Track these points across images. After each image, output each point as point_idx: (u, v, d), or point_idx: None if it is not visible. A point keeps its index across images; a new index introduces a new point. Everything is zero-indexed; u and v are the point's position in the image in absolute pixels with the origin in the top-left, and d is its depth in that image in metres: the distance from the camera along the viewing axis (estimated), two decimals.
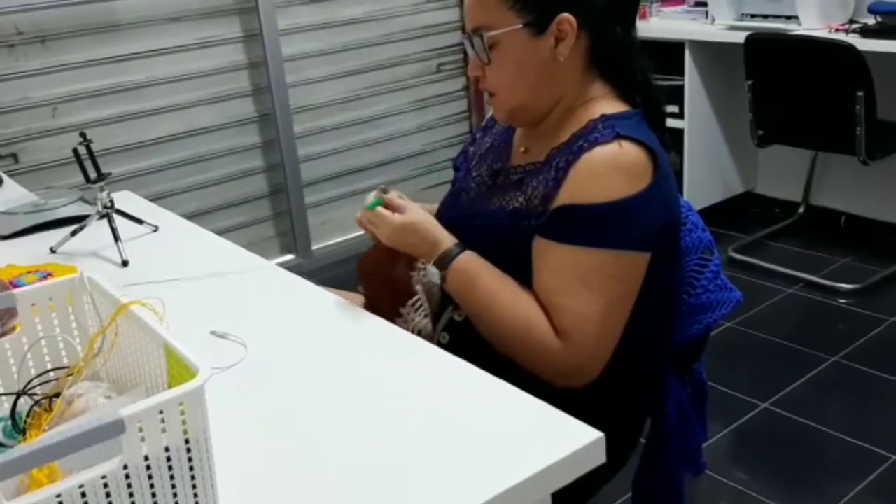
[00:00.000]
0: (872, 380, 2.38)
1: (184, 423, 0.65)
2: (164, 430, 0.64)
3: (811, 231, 3.39)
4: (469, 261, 1.19)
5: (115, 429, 0.61)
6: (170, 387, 0.73)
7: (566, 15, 1.15)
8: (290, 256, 3.41)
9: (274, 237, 3.40)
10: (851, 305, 2.81)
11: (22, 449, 0.58)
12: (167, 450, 0.65)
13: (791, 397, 2.32)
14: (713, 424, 2.09)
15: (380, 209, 1.21)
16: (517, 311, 1.15)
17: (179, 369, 0.70)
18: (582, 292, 1.11)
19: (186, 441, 0.66)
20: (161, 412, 0.64)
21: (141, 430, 0.63)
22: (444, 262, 1.19)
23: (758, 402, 2.31)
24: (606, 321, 1.13)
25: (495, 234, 1.21)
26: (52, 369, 0.85)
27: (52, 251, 1.48)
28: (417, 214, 1.21)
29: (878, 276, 2.94)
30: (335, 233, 3.52)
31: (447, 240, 1.21)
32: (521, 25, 1.16)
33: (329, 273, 3.35)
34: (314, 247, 3.45)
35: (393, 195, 1.24)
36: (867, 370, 2.42)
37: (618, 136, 1.12)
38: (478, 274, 1.18)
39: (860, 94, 2.63)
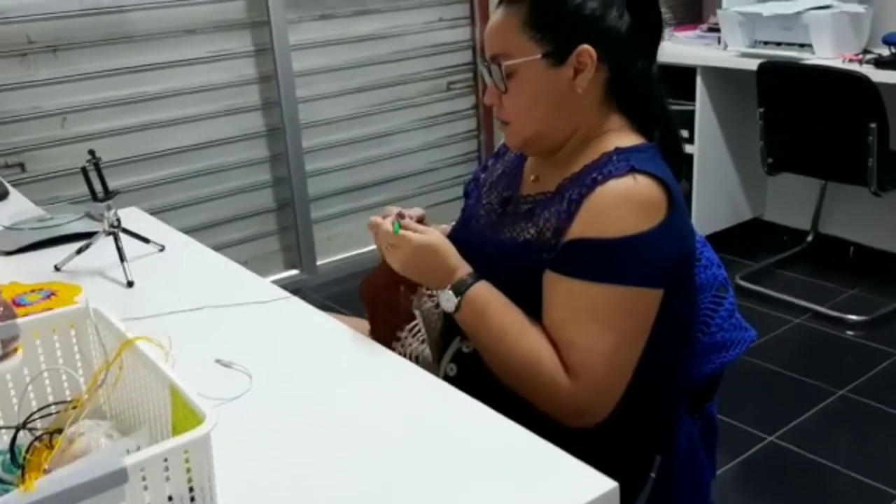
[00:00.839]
0: (880, 415, 2.35)
1: (188, 471, 0.63)
2: (167, 479, 0.62)
3: (819, 260, 3.37)
4: (482, 291, 1.17)
5: (118, 478, 0.59)
6: (174, 428, 0.71)
7: (586, 46, 1.13)
8: (294, 272, 3.40)
9: (279, 251, 3.39)
10: (859, 337, 2.78)
11: (22, 498, 0.56)
12: (170, 499, 0.63)
13: (798, 431, 2.29)
14: (719, 457, 2.07)
15: (402, 231, 1.19)
16: (526, 346, 1.12)
17: (185, 412, 0.68)
18: (593, 329, 1.09)
19: (191, 489, 0.64)
20: (165, 460, 0.62)
21: (144, 478, 0.61)
22: (459, 289, 1.17)
23: (764, 434, 2.28)
24: (617, 359, 1.11)
25: (506, 265, 1.19)
26: (54, 403, 0.83)
27: (57, 269, 1.46)
28: (437, 237, 1.19)
29: (886, 309, 2.91)
30: (340, 248, 3.50)
31: (463, 267, 1.19)
32: (540, 55, 1.14)
33: (333, 289, 3.33)
34: (319, 262, 3.43)
35: (410, 221, 1.22)
36: (875, 405, 2.39)
37: (632, 170, 1.10)
38: (490, 305, 1.16)
39: (873, 125, 2.61)
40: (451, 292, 1.16)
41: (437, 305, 1.26)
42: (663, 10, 1.22)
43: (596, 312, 1.09)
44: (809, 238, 3.45)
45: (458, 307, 1.16)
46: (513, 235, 1.20)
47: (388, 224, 1.20)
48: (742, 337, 1.26)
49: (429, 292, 1.28)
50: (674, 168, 1.18)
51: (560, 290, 1.12)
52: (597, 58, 1.14)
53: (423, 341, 1.29)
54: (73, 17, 2.72)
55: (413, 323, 1.28)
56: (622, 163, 1.11)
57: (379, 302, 1.30)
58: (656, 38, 1.22)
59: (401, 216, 1.23)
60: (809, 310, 2.94)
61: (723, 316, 1.26)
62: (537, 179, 1.26)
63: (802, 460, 2.17)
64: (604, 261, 1.09)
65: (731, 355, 1.25)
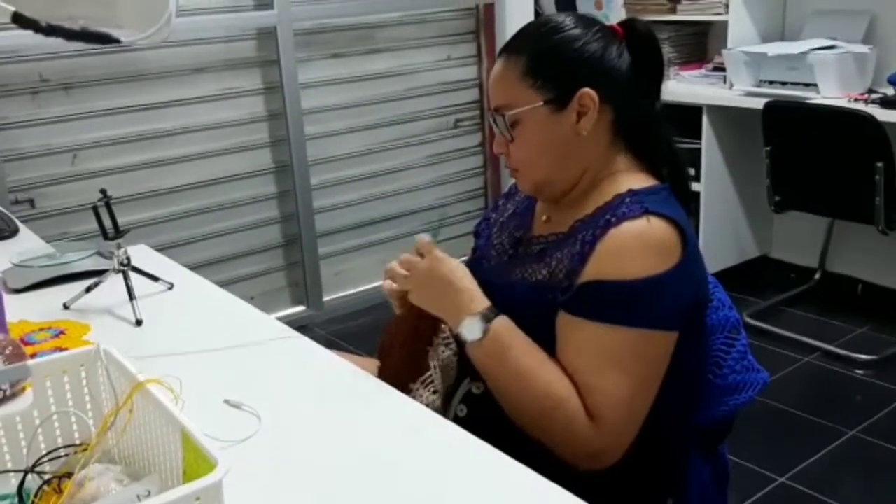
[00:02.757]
0: (891, 456, 2.32)
1: None
2: None
3: (827, 298, 3.35)
4: (505, 324, 1.14)
5: None
6: (185, 473, 0.70)
7: (587, 90, 1.14)
8: (301, 308, 3.39)
9: (286, 287, 3.39)
10: (869, 377, 2.76)
11: None
12: None
13: (809, 472, 2.27)
14: (729, 498, 2.04)
15: (437, 252, 1.19)
16: (548, 385, 1.10)
17: (196, 457, 0.67)
18: (610, 372, 1.08)
19: None
20: None
21: None
22: (488, 316, 1.14)
23: (775, 476, 2.25)
24: (634, 402, 1.10)
25: (517, 306, 1.18)
26: (63, 446, 0.82)
27: (66, 307, 1.46)
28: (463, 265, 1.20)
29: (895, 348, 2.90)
30: (347, 285, 3.50)
31: (484, 300, 1.17)
32: (541, 103, 1.15)
33: (340, 326, 3.32)
34: (325, 298, 3.43)
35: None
36: (886, 445, 2.36)
37: (646, 212, 1.10)
38: (512, 339, 1.13)
39: (880, 164, 2.61)
40: (478, 319, 1.13)
41: (455, 353, 1.23)
42: (669, 49, 1.23)
43: (611, 356, 1.09)
44: (817, 276, 3.44)
45: (484, 334, 1.13)
46: (524, 277, 1.19)
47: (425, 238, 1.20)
48: (754, 379, 1.25)
49: (446, 341, 1.26)
50: (683, 207, 1.18)
51: (575, 333, 1.11)
52: (599, 99, 1.15)
53: (434, 392, 1.27)
54: (84, 55, 2.75)
55: (427, 374, 1.26)
56: (636, 205, 1.11)
57: (395, 351, 1.29)
58: (658, 76, 1.22)
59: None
60: (818, 348, 2.93)
61: (735, 357, 1.25)
62: (549, 220, 1.26)
63: (813, 502, 2.14)
64: (618, 303, 1.08)
65: (744, 398, 1.24)
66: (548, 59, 1.16)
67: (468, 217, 3.76)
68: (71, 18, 0.63)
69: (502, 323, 1.15)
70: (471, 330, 1.14)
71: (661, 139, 1.23)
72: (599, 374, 1.08)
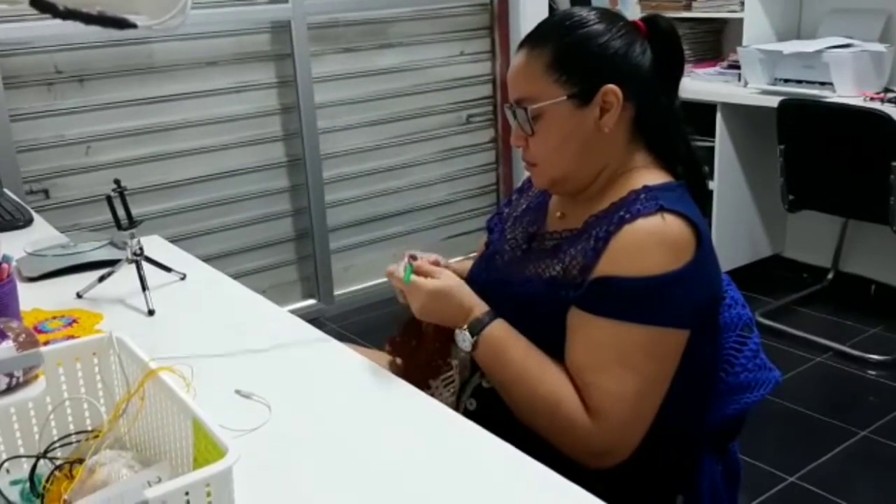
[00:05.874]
0: None
1: None
2: None
3: (840, 298, 3.33)
4: (500, 330, 1.16)
5: None
6: (195, 461, 0.70)
7: (611, 86, 1.13)
8: (311, 301, 3.40)
9: (297, 281, 3.39)
10: (881, 377, 2.74)
11: None
12: None
13: (820, 472, 2.25)
14: (738, 497, 2.03)
15: (413, 279, 1.18)
16: (546, 386, 1.11)
17: (207, 445, 0.68)
18: (617, 370, 1.08)
19: None
20: (187, 493, 0.61)
21: None
22: (475, 329, 1.16)
23: (785, 475, 2.24)
24: (640, 401, 1.09)
25: (530, 302, 1.18)
26: (75, 432, 0.83)
27: (79, 296, 1.47)
28: (450, 280, 1.19)
29: None
30: (358, 279, 3.51)
31: (479, 307, 1.18)
32: (565, 97, 1.14)
33: (350, 319, 3.33)
34: (336, 292, 3.43)
35: (423, 262, 1.22)
36: None
37: (661, 209, 1.09)
38: (508, 344, 1.15)
39: (895, 163, 2.59)
40: (466, 332, 1.16)
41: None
42: (684, 46, 1.22)
43: (620, 352, 1.08)
44: (830, 276, 3.42)
45: (474, 346, 1.16)
46: (538, 272, 1.19)
47: (401, 271, 1.20)
48: (766, 378, 1.24)
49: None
50: (699, 205, 1.17)
51: (584, 329, 1.10)
52: (622, 96, 1.14)
53: (453, 393, 1.27)
54: (99, 47, 2.76)
55: (448, 374, 1.26)
56: (651, 201, 1.10)
57: (408, 354, 1.29)
58: (678, 74, 1.21)
59: (413, 258, 1.23)
60: (830, 349, 2.91)
61: (747, 356, 1.25)
62: (563, 216, 1.25)
63: (824, 502, 2.13)
64: (630, 300, 1.07)
65: (755, 396, 1.24)
66: (573, 53, 1.15)
67: (479, 213, 3.75)
68: (88, 5, 0.64)
69: (496, 329, 1.16)
70: (463, 342, 1.17)
71: (680, 137, 1.22)
72: (605, 371, 1.08)
